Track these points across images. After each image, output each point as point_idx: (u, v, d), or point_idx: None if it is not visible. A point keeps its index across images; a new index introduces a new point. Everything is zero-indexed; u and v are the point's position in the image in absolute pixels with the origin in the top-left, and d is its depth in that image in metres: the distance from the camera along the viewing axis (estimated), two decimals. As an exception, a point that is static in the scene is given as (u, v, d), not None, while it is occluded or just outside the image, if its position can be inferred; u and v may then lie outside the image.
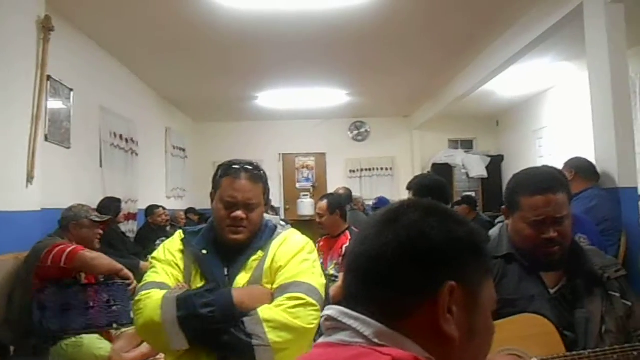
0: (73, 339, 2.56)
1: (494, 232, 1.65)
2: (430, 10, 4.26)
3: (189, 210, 7.25)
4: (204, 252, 1.57)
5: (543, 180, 1.44)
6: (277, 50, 5.09)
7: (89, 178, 4.57)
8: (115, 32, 4.57)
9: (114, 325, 2.65)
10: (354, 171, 8.91)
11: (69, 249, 2.59)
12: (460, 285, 0.65)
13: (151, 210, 5.56)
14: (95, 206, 3.82)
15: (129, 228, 5.35)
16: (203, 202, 6.60)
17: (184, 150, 7.82)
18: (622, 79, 3.27)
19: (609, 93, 3.21)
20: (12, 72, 3.09)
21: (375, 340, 0.63)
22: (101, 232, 3.09)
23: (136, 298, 1.51)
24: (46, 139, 3.70)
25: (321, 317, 0.71)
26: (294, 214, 8.51)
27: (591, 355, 1.26)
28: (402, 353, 0.61)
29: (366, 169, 8.90)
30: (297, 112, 8.06)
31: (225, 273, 1.54)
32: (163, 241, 1.77)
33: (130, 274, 2.67)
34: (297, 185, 9.05)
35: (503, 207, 1.54)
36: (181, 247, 1.61)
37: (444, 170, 8.05)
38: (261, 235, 1.60)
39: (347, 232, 3.46)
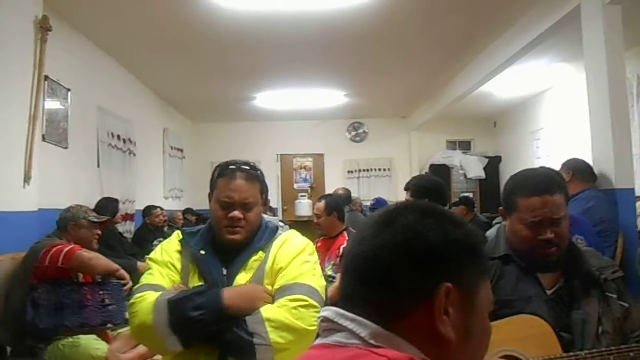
0: (70, 340, 2.55)
1: (491, 233, 1.65)
2: (428, 12, 4.26)
3: (187, 211, 7.24)
4: (203, 252, 1.57)
5: (540, 182, 1.44)
6: (276, 51, 5.10)
7: (86, 178, 4.56)
8: (114, 33, 4.56)
9: (109, 325, 2.64)
10: (352, 172, 8.91)
11: (66, 249, 2.58)
12: (456, 287, 0.65)
13: (149, 210, 5.55)
14: (92, 207, 3.81)
15: (127, 229, 5.34)
16: (201, 202, 6.59)
17: (182, 150, 7.82)
18: (620, 80, 3.28)
19: (607, 94, 3.22)
20: (9, 72, 3.09)
21: (372, 342, 0.63)
22: (100, 232, 3.08)
23: (131, 301, 1.51)
24: (44, 139, 3.69)
25: (318, 318, 0.71)
26: (292, 214, 8.50)
27: (588, 356, 1.26)
28: (399, 354, 0.61)
29: (364, 170, 8.91)
30: (295, 113, 8.06)
31: (224, 273, 1.54)
32: (161, 242, 1.77)
33: (127, 275, 2.67)
34: (295, 186, 9.05)
35: (500, 208, 1.54)
36: (179, 248, 1.60)
37: (441, 171, 8.05)
38: (261, 236, 1.60)
39: (345, 233, 3.46)
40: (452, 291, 0.64)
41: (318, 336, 0.71)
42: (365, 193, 8.48)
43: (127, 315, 1.57)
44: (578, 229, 2.33)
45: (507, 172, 7.93)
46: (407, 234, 0.67)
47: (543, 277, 1.45)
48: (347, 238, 3.39)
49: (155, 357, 2.76)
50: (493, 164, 8.53)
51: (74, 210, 3.01)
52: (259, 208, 1.60)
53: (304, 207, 8.36)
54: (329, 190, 7.84)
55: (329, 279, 3.20)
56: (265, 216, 1.69)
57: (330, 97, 7.18)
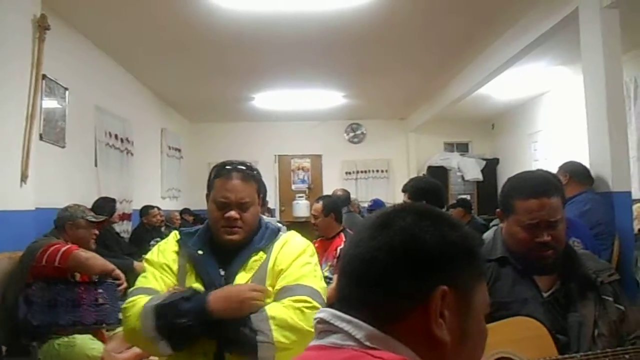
0: (65, 339, 2.55)
1: (488, 235, 1.65)
2: (427, 13, 4.27)
3: (184, 211, 7.23)
4: (200, 252, 1.57)
5: (538, 184, 1.44)
6: (274, 51, 5.10)
7: (83, 178, 4.55)
8: (112, 32, 4.56)
9: (102, 325, 2.64)
10: (349, 173, 8.92)
11: (63, 249, 2.58)
12: (452, 289, 0.65)
13: (146, 210, 5.54)
14: (89, 206, 3.81)
15: (124, 228, 5.33)
16: (198, 202, 6.58)
17: (179, 150, 7.81)
18: (617, 83, 3.29)
19: (604, 97, 3.23)
20: (7, 71, 3.08)
21: (367, 344, 0.63)
22: (97, 232, 3.08)
23: (123, 305, 1.51)
24: (41, 138, 3.69)
25: (314, 319, 0.71)
26: (289, 215, 8.50)
27: (583, 358, 1.27)
28: (394, 356, 0.61)
29: (362, 171, 8.92)
30: (293, 113, 8.06)
31: (222, 274, 1.54)
32: (158, 242, 1.76)
33: (122, 275, 2.67)
34: (293, 186, 9.05)
35: (498, 210, 1.54)
36: (176, 248, 1.60)
37: (439, 173, 8.07)
38: (261, 236, 1.60)
39: (342, 234, 3.46)
40: (448, 294, 0.64)
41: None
42: (362, 194, 8.49)
43: (120, 315, 1.57)
44: (575, 231, 2.34)
45: (505, 174, 7.94)
46: (404, 236, 0.67)
47: (539, 279, 1.45)
48: (344, 239, 3.39)
49: (151, 357, 2.76)
50: (490, 166, 8.55)
51: (72, 209, 3.01)
52: (255, 208, 1.60)
53: (302, 208, 8.35)
54: (327, 191, 7.84)
55: (326, 280, 3.19)
56: (264, 217, 1.69)
57: (328, 97, 7.18)
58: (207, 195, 1.63)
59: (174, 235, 1.65)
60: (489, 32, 4.71)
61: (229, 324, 1.41)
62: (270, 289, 1.51)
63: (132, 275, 2.99)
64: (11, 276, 2.68)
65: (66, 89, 4.15)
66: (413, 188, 3.04)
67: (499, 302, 1.38)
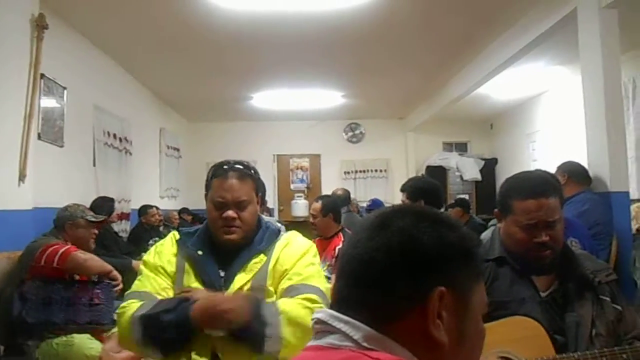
0: (64, 338, 2.55)
1: (486, 235, 1.66)
2: (426, 13, 4.27)
3: (183, 210, 7.23)
4: (200, 252, 1.56)
5: (536, 185, 1.45)
6: (273, 51, 5.09)
7: (82, 177, 4.54)
8: (110, 31, 4.55)
9: (98, 325, 2.63)
10: (348, 173, 8.92)
11: (62, 250, 2.58)
12: (450, 290, 0.65)
13: (144, 210, 5.54)
14: (87, 205, 3.80)
15: (122, 228, 5.33)
16: (197, 202, 6.57)
17: (178, 150, 7.80)
18: (615, 83, 3.29)
19: (602, 97, 3.23)
20: (5, 70, 3.08)
21: (365, 344, 0.63)
22: (97, 232, 3.07)
23: (117, 310, 1.52)
24: (39, 137, 3.68)
25: (312, 319, 0.71)
26: (288, 214, 8.51)
27: (580, 358, 1.27)
28: (391, 357, 0.61)
29: (360, 171, 8.91)
30: (292, 113, 8.06)
31: (221, 274, 1.54)
32: (156, 241, 1.76)
33: (119, 276, 2.66)
34: (292, 186, 9.05)
35: (496, 210, 1.55)
36: (174, 249, 1.60)
37: (438, 173, 8.07)
38: (262, 237, 1.59)
39: (340, 234, 3.46)
40: (446, 295, 0.64)
41: None
42: (361, 194, 8.49)
43: (115, 316, 1.58)
44: (573, 231, 2.34)
45: (503, 174, 7.95)
46: (401, 237, 0.67)
47: (537, 279, 1.45)
48: (342, 239, 3.39)
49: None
50: (489, 166, 8.55)
51: (71, 209, 3.00)
52: (253, 207, 1.59)
53: (300, 208, 8.36)
54: (325, 190, 7.85)
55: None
56: (264, 217, 1.69)
57: (327, 97, 7.18)
58: (206, 196, 1.63)
59: (173, 235, 1.64)
60: (488, 32, 4.72)
61: None
62: (271, 289, 1.51)
63: (130, 274, 2.99)
64: (10, 276, 2.68)
65: (64, 88, 4.15)
66: (412, 188, 3.04)
67: (496, 302, 1.38)
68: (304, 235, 1.71)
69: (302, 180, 9.08)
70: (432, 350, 0.64)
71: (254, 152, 8.16)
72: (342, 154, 8.94)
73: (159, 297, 1.50)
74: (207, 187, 1.61)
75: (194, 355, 1.42)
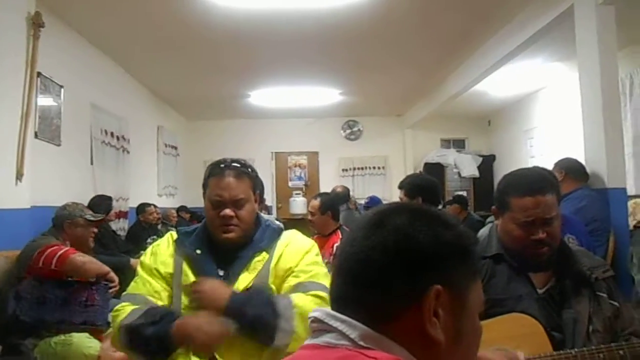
0: (62, 337, 2.54)
1: (483, 232, 1.66)
2: (423, 10, 4.27)
3: (181, 209, 7.22)
4: (198, 252, 1.56)
5: (533, 182, 1.45)
6: (271, 48, 5.08)
7: (79, 176, 4.54)
8: (107, 29, 4.54)
9: (92, 326, 2.63)
10: (346, 170, 8.92)
11: (60, 252, 2.57)
12: (446, 288, 0.65)
13: (142, 208, 5.53)
14: (85, 204, 3.80)
15: (120, 226, 5.32)
16: (195, 200, 6.58)
17: (175, 148, 7.79)
18: (612, 79, 3.30)
19: (599, 94, 3.24)
20: (1, 69, 3.07)
21: (361, 343, 0.63)
22: (96, 230, 3.06)
23: (112, 312, 1.53)
24: (36, 136, 3.67)
25: (308, 318, 0.71)
26: (286, 212, 8.50)
27: (578, 354, 1.27)
28: (388, 356, 0.61)
29: (358, 168, 8.91)
30: (289, 110, 8.05)
31: (220, 274, 1.53)
32: (154, 239, 1.76)
33: (116, 278, 2.65)
34: (290, 183, 9.04)
35: (493, 207, 1.55)
36: (171, 249, 1.59)
37: (436, 170, 8.08)
38: (262, 235, 1.59)
39: (339, 232, 3.46)
40: (442, 293, 0.64)
41: None
42: (359, 191, 8.49)
43: (109, 317, 1.60)
44: (570, 228, 2.35)
45: (501, 170, 7.97)
46: (397, 235, 0.67)
47: (534, 276, 1.46)
48: (340, 236, 3.40)
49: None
50: (487, 163, 8.56)
51: (70, 208, 2.99)
52: (251, 205, 1.58)
53: (298, 205, 8.35)
54: (323, 188, 7.84)
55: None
56: (263, 215, 1.69)
57: (324, 94, 7.18)
58: (204, 195, 1.63)
59: (170, 235, 1.64)
60: (485, 28, 4.71)
61: (251, 303, 1.40)
62: (272, 287, 1.52)
63: (128, 273, 2.98)
64: (7, 275, 2.67)
65: (61, 86, 4.13)
66: (409, 185, 3.04)
67: (493, 299, 1.39)
68: (302, 232, 1.72)
69: (300, 178, 9.08)
70: (428, 348, 0.64)
71: (252, 149, 8.15)
72: (340, 151, 8.94)
73: (152, 300, 1.51)
74: (205, 186, 1.61)
75: (192, 356, 1.42)
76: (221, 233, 1.55)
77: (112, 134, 5.21)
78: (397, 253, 0.66)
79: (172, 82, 6.40)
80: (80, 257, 2.61)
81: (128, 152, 5.61)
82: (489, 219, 3.31)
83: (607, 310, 1.40)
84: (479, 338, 0.72)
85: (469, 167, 8.38)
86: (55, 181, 4.02)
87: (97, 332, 2.71)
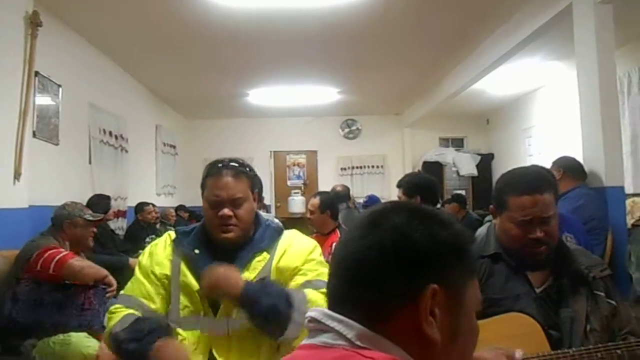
0: (61, 337, 2.54)
1: (481, 231, 1.66)
2: (421, 9, 4.26)
3: (179, 208, 7.21)
4: (196, 251, 1.55)
5: (531, 181, 1.45)
6: (269, 47, 5.08)
7: (77, 175, 4.53)
8: (105, 29, 4.53)
9: (87, 329, 2.62)
10: (345, 169, 8.92)
11: (58, 257, 2.56)
12: (443, 287, 0.65)
13: (141, 207, 5.53)
14: (84, 203, 3.79)
15: (119, 225, 5.32)
16: (193, 199, 6.58)
17: (174, 147, 7.78)
18: (610, 78, 3.30)
19: (597, 92, 3.24)
20: (-1, 68, 3.07)
21: (358, 343, 0.63)
22: (95, 230, 3.05)
23: (107, 314, 1.54)
24: (34, 135, 3.67)
25: (305, 318, 0.71)
26: (285, 211, 8.50)
27: (575, 353, 1.27)
28: (384, 356, 0.61)
29: (357, 167, 8.91)
30: (288, 109, 8.05)
31: None
32: (153, 239, 1.76)
33: (114, 281, 2.64)
34: (288, 182, 9.04)
35: (491, 206, 1.55)
36: (169, 249, 1.59)
37: (434, 168, 8.08)
38: (262, 235, 1.59)
39: (337, 231, 3.46)
40: (439, 292, 0.64)
41: None
42: (358, 190, 8.49)
43: (105, 321, 1.60)
44: (568, 226, 2.35)
45: (499, 169, 7.97)
46: (394, 235, 0.66)
47: (532, 275, 1.46)
48: (339, 235, 3.40)
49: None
50: (485, 161, 8.56)
51: (70, 207, 2.97)
52: (249, 204, 1.57)
53: (297, 204, 8.35)
54: (322, 187, 7.85)
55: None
56: (262, 214, 1.68)
57: (323, 93, 7.17)
58: (202, 194, 1.62)
59: (168, 235, 1.63)
60: (483, 28, 4.72)
61: (267, 292, 1.39)
62: None
63: (127, 272, 2.98)
64: (5, 275, 2.66)
65: (59, 85, 4.13)
66: (408, 184, 3.04)
67: (491, 299, 1.39)
68: (301, 231, 1.71)
69: (298, 177, 9.08)
70: (425, 347, 0.64)
71: (251, 148, 8.15)
72: (338, 150, 8.94)
73: (145, 302, 1.51)
74: (203, 186, 1.60)
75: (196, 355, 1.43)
76: (220, 233, 1.54)
77: (110, 133, 5.21)
78: (394, 252, 0.66)
79: (171, 81, 6.39)
80: (78, 262, 2.60)
81: (126, 151, 5.61)
82: (487, 218, 3.32)
83: (604, 309, 1.41)
84: (475, 337, 0.72)
85: (467, 165, 8.39)
86: (53, 180, 4.01)
87: (95, 332, 2.71)
